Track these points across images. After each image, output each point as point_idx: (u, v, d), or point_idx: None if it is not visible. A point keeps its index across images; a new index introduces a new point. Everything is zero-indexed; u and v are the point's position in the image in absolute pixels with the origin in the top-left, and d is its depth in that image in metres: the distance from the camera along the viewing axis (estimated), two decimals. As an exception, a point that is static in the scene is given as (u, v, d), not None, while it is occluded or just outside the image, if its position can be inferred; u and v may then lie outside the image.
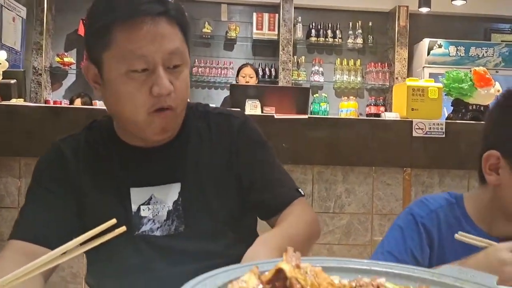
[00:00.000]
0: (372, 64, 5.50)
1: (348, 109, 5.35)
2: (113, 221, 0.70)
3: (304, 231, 1.12)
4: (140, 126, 1.07)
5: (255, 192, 1.18)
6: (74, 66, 5.43)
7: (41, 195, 1.12)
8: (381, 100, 5.53)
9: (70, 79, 5.55)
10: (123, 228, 0.70)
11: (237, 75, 4.73)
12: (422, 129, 3.23)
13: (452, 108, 3.49)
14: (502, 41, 5.54)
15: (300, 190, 1.21)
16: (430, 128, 3.23)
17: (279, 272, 0.58)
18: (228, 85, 4.48)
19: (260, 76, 4.82)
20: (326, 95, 5.46)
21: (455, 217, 1.17)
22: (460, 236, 1.02)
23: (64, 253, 0.71)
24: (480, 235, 1.09)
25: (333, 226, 3.19)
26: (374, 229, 3.22)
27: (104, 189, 1.13)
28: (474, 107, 3.39)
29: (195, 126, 1.20)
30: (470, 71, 3.26)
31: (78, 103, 4.62)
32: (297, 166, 2.92)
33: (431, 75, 4.69)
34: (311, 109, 5.25)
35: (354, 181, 3.23)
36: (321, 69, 5.50)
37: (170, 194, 1.13)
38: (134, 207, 1.12)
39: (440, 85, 3.31)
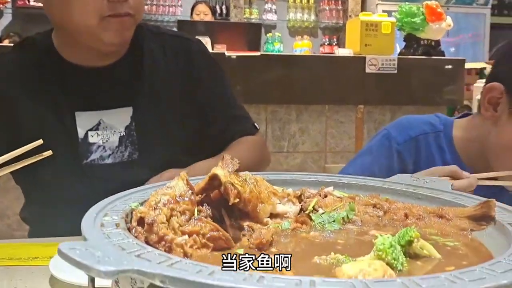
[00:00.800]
0: (326, 1, 5.38)
1: (302, 48, 5.26)
2: (39, 141, 0.65)
3: (253, 152, 1.14)
4: (93, 31, 0.97)
5: (215, 127, 1.16)
6: (9, 5, 5.02)
7: None
8: (335, 40, 5.46)
9: (6, 18, 5.14)
10: (49, 152, 0.66)
11: (191, 14, 4.53)
12: (375, 65, 3.21)
13: (404, 44, 3.48)
14: (453, -23, 5.51)
15: (255, 124, 1.22)
16: (382, 64, 3.21)
17: (214, 180, 0.50)
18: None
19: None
20: (279, 35, 5.33)
21: (438, 147, 1.08)
22: None
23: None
24: (460, 166, 1.04)
25: (287, 165, 3.17)
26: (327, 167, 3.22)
27: (45, 115, 1.03)
28: (425, 42, 3.39)
29: (148, 47, 1.12)
30: (422, 5, 3.22)
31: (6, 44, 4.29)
32: (250, 105, 2.84)
33: (384, 12, 4.64)
34: (265, 49, 5.12)
35: (307, 120, 3.21)
36: (274, 6, 5.33)
37: (121, 118, 1.06)
38: (80, 133, 1.04)
39: (393, 19, 3.27)
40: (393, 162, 1.07)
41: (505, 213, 0.51)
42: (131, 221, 0.45)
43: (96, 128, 1.05)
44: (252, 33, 3.48)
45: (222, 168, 0.51)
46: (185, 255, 0.42)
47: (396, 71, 3.17)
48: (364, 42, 3.24)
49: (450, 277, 0.33)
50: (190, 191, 0.47)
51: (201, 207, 0.50)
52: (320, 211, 0.57)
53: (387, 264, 0.40)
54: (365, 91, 3.17)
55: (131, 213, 0.47)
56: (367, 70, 3.17)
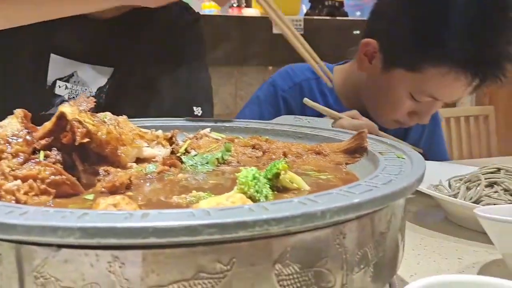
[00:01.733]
0: (234, -39, 5.25)
1: (210, 10, 5.13)
2: None
3: None
4: None
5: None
6: None
7: None
8: (244, 1, 5.38)
9: None
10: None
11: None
12: (281, 25, 3.20)
13: (310, 4, 3.50)
14: None
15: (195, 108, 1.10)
16: (289, 24, 3.20)
17: (61, 120, 0.43)
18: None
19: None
20: (187, -5, 5.15)
21: (320, 91, 1.14)
22: (306, 102, 0.97)
23: None
24: (341, 110, 1.07)
25: (198, 128, 3.10)
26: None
27: (21, 49, 0.94)
28: (329, 2, 3.43)
29: (148, 14, 1.00)
30: (326, -35, 3.23)
31: None
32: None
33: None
34: (172, 10, 4.93)
35: (217, 82, 3.12)
36: (180, -34, 5.12)
37: (97, 77, 0.97)
38: (50, 79, 0.95)
39: (298, -21, 3.26)
40: (280, 108, 1.11)
41: (378, 144, 0.49)
42: None
43: (67, 79, 0.96)
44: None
45: (72, 105, 0.44)
46: (18, 202, 0.36)
47: (303, 32, 3.19)
48: (270, 2, 3.21)
49: (303, 200, 0.30)
50: (26, 130, 0.40)
51: (48, 152, 0.43)
52: (193, 153, 0.52)
53: (250, 197, 0.37)
54: (273, 52, 3.16)
55: (-46, 159, 0.39)
56: (274, 31, 3.16)
